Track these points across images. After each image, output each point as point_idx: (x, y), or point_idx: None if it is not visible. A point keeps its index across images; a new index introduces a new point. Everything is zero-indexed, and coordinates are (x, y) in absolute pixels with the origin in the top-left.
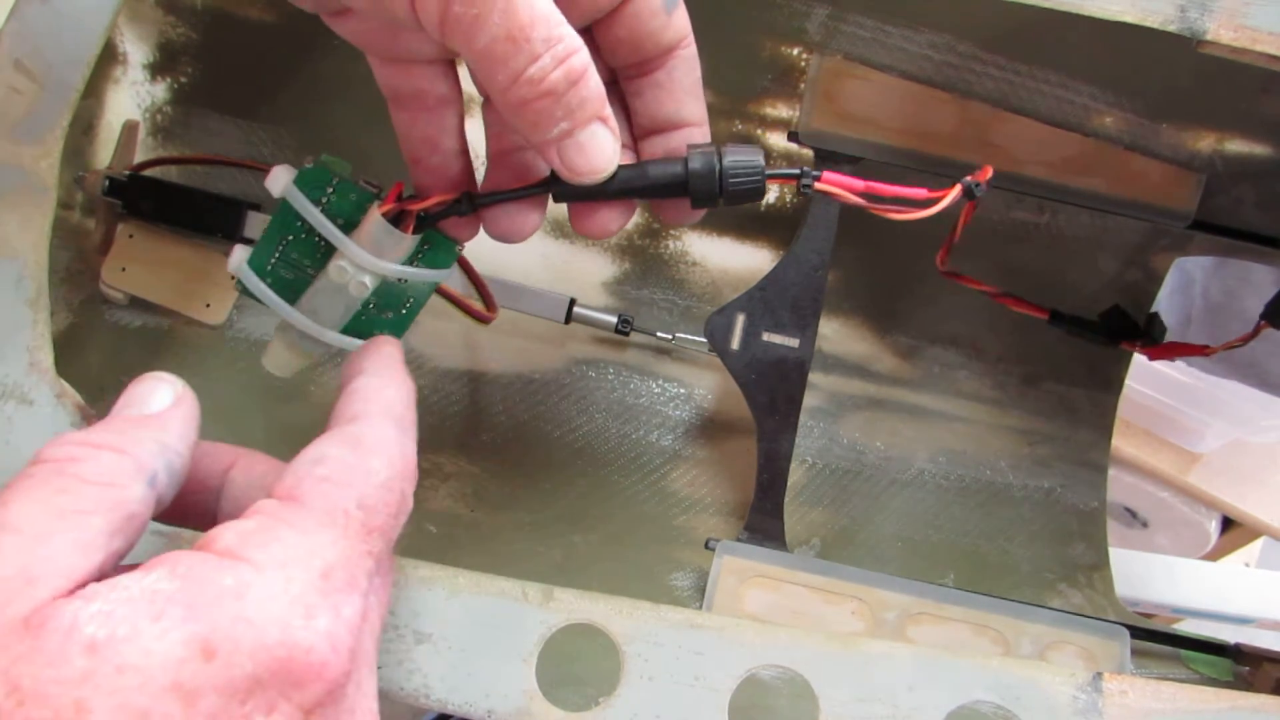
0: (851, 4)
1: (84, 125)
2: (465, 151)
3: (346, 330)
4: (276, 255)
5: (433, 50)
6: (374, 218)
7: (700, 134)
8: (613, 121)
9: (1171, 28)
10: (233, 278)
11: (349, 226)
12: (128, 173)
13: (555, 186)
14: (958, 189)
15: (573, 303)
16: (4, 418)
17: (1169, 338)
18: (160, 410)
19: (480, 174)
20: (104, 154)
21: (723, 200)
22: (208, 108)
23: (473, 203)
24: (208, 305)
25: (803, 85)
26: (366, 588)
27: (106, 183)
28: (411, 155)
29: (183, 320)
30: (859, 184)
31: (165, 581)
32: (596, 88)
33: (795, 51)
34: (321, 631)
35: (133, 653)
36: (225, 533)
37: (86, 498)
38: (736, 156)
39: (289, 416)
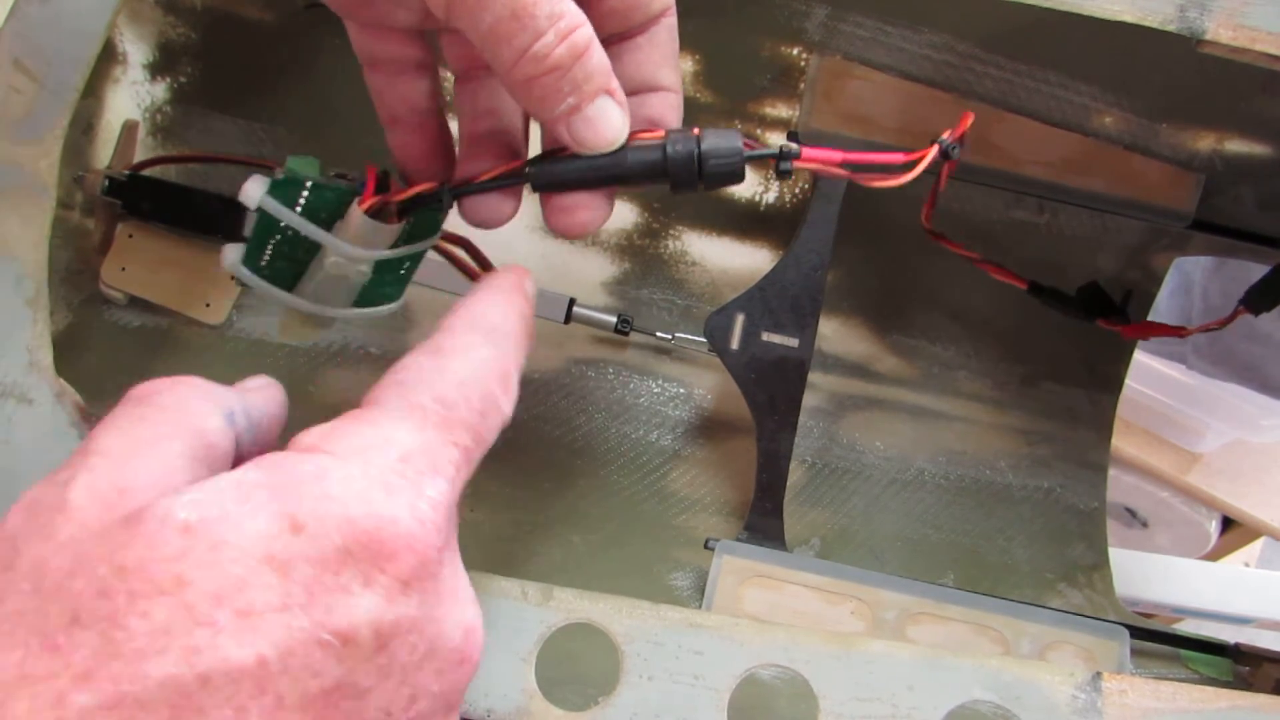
0: (851, 4)
1: (84, 125)
2: (441, 111)
3: (353, 303)
4: (268, 254)
5: (410, 19)
6: (357, 216)
7: (674, 101)
8: (620, 94)
9: (1171, 27)
10: (231, 276)
11: (332, 220)
12: (127, 172)
13: (532, 174)
14: (934, 149)
15: (572, 303)
16: (4, 417)
17: None
18: (242, 383)
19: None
20: (104, 154)
21: (703, 185)
22: (208, 108)
23: (453, 194)
24: (207, 305)
25: (802, 85)
26: (453, 476)
27: (106, 182)
28: (388, 116)
29: (182, 320)
30: (837, 155)
31: (251, 473)
32: (601, 61)
33: (795, 51)
34: (405, 505)
35: (225, 530)
36: (307, 434)
37: (165, 424)
38: (715, 141)
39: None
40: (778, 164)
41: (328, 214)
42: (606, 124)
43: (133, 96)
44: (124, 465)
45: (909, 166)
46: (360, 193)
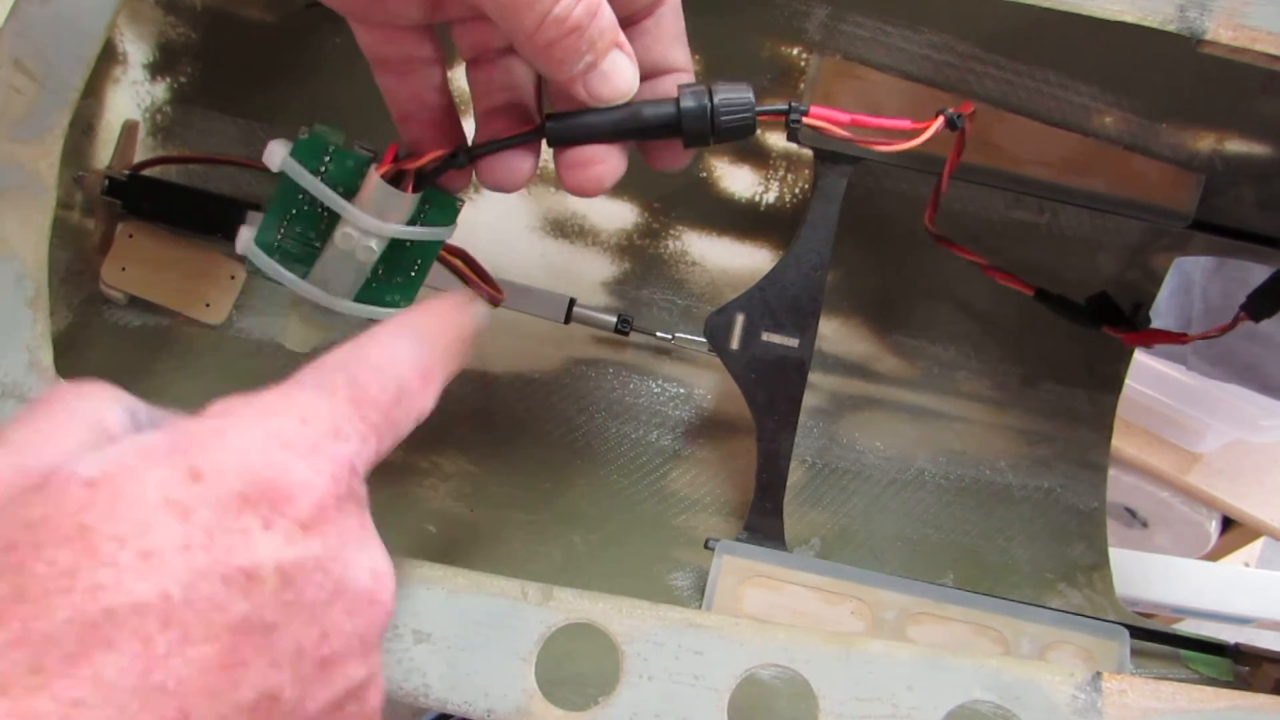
0: (851, 4)
1: (84, 125)
2: (452, 105)
3: (358, 298)
4: (281, 231)
5: (416, 14)
6: (374, 180)
7: (686, 79)
8: (628, 46)
9: (1171, 27)
10: (241, 257)
11: (349, 193)
12: (127, 172)
13: (552, 128)
14: (940, 120)
15: (572, 303)
16: (4, 416)
17: None
18: None
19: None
20: (104, 154)
21: (714, 138)
22: (208, 108)
23: (469, 154)
24: (207, 305)
25: (802, 85)
26: (355, 445)
27: (106, 182)
28: (400, 114)
29: (182, 320)
30: (845, 117)
31: (152, 435)
32: (611, 16)
33: (795, 51)
34: (300, 456)
35: (126, 482)
36: (213, 404)
37: (65, 414)
38: (727, 94)
39: None
40: (787, 119)
41: (345, 187)
42: (620, 77)
43: (133, 96)
44: (24, 451)
45: (915, 133)
46: (379, 161)
